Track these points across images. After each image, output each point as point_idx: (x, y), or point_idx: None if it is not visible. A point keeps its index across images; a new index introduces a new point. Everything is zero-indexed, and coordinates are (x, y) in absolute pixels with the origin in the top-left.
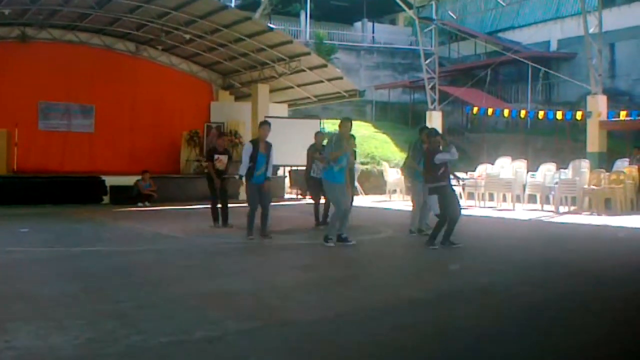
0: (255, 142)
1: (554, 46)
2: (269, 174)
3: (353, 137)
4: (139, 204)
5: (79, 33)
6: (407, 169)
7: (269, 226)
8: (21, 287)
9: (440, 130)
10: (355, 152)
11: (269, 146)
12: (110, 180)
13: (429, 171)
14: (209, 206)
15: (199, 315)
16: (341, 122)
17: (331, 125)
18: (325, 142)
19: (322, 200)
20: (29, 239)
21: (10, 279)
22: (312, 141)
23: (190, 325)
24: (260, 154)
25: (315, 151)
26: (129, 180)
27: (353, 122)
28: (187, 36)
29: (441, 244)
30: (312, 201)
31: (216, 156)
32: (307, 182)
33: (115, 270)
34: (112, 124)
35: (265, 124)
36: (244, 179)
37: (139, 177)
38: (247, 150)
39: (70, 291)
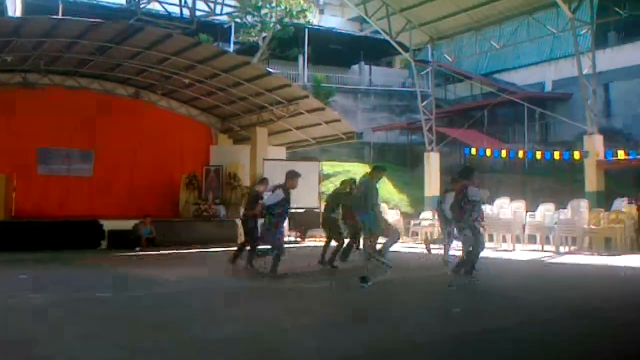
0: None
1: (548, 87)
2: None
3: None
4: (137, 249)
5: (80, 78)
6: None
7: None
8: (19, 334)
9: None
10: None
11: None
12: (108, 225)
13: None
14: (208, 249)
15: None
16: (376, 169)
17: (329, 167)
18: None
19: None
20: (26, 285)
21: (7, 326)
22: (315, 183)
23: None
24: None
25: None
26: (127, 225)
27: (351, 164)
28: (187, 81)
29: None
30: (322, 243)
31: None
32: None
33: (114, 315)
34: (111, 168)
35: (297, 176)
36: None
37: (138, 221)
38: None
39: (68, 337)
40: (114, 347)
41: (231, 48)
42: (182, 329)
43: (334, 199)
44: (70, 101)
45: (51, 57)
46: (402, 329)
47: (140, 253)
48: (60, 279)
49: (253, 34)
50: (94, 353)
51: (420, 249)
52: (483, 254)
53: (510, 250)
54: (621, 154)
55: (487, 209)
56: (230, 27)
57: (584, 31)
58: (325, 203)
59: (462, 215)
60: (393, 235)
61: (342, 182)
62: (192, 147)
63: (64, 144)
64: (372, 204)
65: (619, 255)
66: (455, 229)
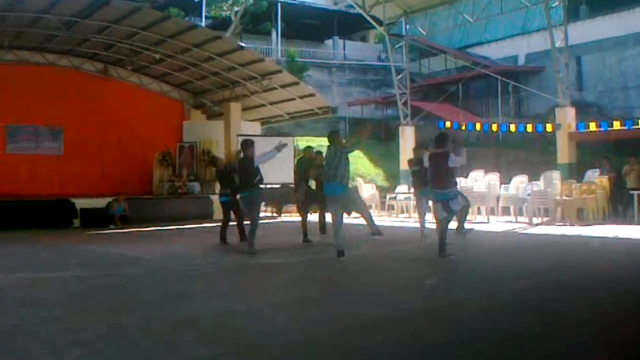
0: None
1: (521, 60)
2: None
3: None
4: (111, 226)
5: (47, 54)
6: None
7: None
8: None
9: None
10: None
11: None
12: (80, 203)
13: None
14: (183, 227)
15: (166, 341)
16: (332, 135)
17: (304, 142)
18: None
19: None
20: None
21: None
22: (290, 158)
23: (157, 353)
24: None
25: (311, 167)
26: (100, 203)
27: (326, 139)
28: (157, 56)
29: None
30: (299, 218)
31: None
32: (314, 197)
33: (81, 296)
34: (82, 146)
35: (251, 144)
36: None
37: (111, 199)
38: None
39: (32, 320)
40: (76, 328)
41: (203, 23)
42: (148, 308)
43: (310, 173)
44: (37, 78)
45: (16, 33)
46: (375, 303)
47: (114, 231)
48: (28, 259)
49: (225, 8)
50: (55, 336)
51: (397, 222)
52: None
53: (485, 222)
54: (593, 126)
55: (462, 181)
56: (201, 1)
57: (555, 4)
58: (294, 172)
59: (448, 182)
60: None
61: (306, 149)
62: (164, 123)
63: (32, 121)
64: (343, 176)
65: (591, 225)
66: (428, 200)
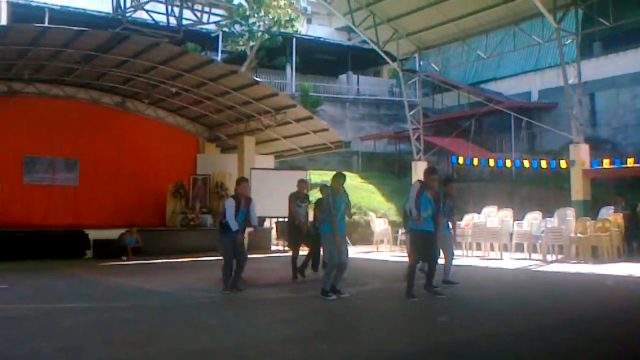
0: (236, 197)
1: (534, 97)
2: (255, 223)
3: (345, 192)
4: (123, 258)
5: (65, 87)
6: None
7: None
8: None
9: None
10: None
11: (249, 201)
12: (93, 234)
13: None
14: (195, 259)
15: None
16: (335, 177)
17: (317, 177)
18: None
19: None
20: (6, 296)
21: None
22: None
23: None
24: (241, 209)
25: (297, 199)
26: (113, 234)
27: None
28: (174, 90)
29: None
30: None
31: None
32: (292, 231)
33: (94, 327)
34: (97, 177)
35: (245, 181)
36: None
37: (124, 231)
38: (230, 205)
39: (46, 351)
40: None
41: (219, 57)
42: (162, 340)
43: (293, 206)
44: (55, 110)
45: (36, 66)
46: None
47: (126, 263)
48: (41, 289)
49: (241, 43)
50: None
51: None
52: (474, 262)
53: (498, 259)
54: (606, 163)
55: (475, 217)
56: (218, 36)
57: (569, 41)
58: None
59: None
60: (333, 261)
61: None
62: (179, 156)
63: (49, 152)
64: (327, 215)
65: (606, 263)
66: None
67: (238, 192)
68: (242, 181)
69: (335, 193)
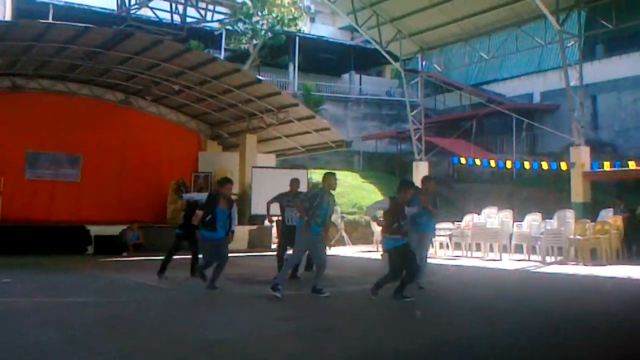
0: (216, 197)
1: (536, 98)
2: (234, 228)
3: (333, 199)
4: (124, 254)
5: (69, 83)
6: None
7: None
8: (1, 339)
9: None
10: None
11: (231, 203)
12: (94, 230)
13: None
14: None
15: None
16: (326, 176)
17: (318, 176)
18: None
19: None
20: (11, 290)
21: None
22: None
23: None
24: (220, 209)
25: (284, 198)
26: (114, 230)
27: (341, 172)
28: (177, 87)
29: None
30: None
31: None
32: (286, 231)
33: (99, 320)
34: (99, 174)
35: (229, 182)
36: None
37: (126, 227)
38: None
39: (52, 342)
40: (95, 350)
41: (222, 55)
42: (165, 333)
43: (283, 206)
44: (58, 106)
45: (40, 62)
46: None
47: (127, 259)
48: (45, 284)
49: (244, 41)
50: (72, 356)
51: None
52: (474, 262)
53: (497, 260)
54: (607, 165)
55: (474, 218)
56: (221, 34)
57: (571, 43)
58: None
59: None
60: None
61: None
62: (181, 153)
63: (52, 148)
64: (309, 208)
65: (605, 265)
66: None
67: (222, 193)
68: (226, 182)
69: (324, 193)
